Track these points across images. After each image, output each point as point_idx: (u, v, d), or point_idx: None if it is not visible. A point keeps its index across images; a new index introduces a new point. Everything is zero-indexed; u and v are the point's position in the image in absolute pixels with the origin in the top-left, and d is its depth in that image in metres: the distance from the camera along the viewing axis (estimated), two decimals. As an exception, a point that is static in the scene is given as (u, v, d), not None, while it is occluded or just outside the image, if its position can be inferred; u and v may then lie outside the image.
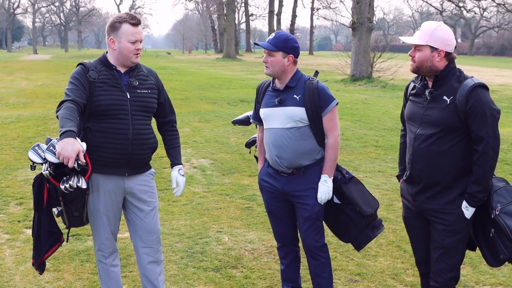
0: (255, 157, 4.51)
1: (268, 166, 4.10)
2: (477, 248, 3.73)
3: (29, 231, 5.84)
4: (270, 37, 3.90)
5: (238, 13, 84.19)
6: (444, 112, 3.43)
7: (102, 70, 3.66)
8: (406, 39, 3.63)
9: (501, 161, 9.60)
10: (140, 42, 3.70)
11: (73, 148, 3.10)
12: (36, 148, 3.32)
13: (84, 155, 3.21)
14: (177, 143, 4.12)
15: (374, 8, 27.60)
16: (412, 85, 3.74)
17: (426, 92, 3.53)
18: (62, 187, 3.27)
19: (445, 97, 3.44)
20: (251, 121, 4.38)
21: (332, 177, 3.96)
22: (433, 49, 3.43)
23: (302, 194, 3.96)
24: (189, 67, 39.06)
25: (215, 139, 11.37)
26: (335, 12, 53.21)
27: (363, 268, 5.08)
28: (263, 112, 4.04)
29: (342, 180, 4.05)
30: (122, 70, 3.73)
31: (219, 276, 4.88)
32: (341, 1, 43.96)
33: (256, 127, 4.39)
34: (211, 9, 73.52)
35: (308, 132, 3.91)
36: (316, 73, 4.08)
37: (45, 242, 3.60)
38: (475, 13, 68.73)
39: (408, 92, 3.76)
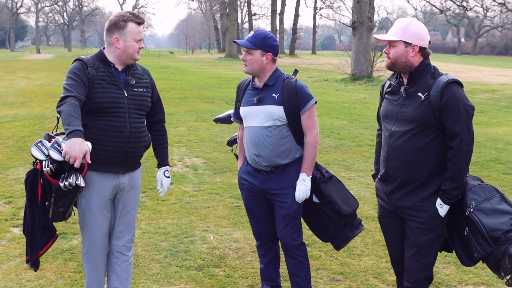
0: (235, 155, 4.49)
1: (248, 164, 4.09)
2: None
3: (16, 230, 5.86)
4: (249, 35, 3.89)
5: (241, 12, 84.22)
6: (419, 108, 3.42)
7: (100, 67, 3.66)
8: (380, 37, 3.62)
9: (495, 160, 9.58)
10: (142, 41, 3.76)
11: (80, 149, 3.12)
12: (39, 144, 3.32)
13: None
14: (165, 143, 4.14)
15: (377, 8, 27.60)
16: (388, 83, 3.73)
17: (401, 89, 3.52)
18: (61, 184, 3.27)
19: (419, 94, 3.44)
20: (232, 119, 4.37)
21: (311, 176, 3.94)
22: (406, 44, 3.43)
23: (280, 192, 3.95)
24: (191, 66, 39.07)
25: (210, 138, 11.35)
26: (336, 11, 53.03)
27: (346, 267, 5.06)
28: (242, 110, 4.03)
29: (321, 179, 4.04)
30: (120, 68, 3.74)
31: (201, 275, 4.87)
32: (341, 0, 43.75)
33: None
34: (214, 8, 73.45)
35: (286, 131, 3.89)
36: (296, 71, 4.07)
37: (40, 238, 3.55)
38: (478, 13, 68.41)
39: (384, 91, 3.75)
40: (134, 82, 3.76)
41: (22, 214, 3.79)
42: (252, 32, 3.90)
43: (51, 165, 3.25)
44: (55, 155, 3.22)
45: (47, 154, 3.27)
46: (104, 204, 3.76)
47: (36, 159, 3.33)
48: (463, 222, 3.45)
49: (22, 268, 4.93)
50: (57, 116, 3.65)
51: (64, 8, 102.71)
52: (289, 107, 3.83)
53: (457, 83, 3.38)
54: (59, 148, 3.22)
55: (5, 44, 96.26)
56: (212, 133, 11.90)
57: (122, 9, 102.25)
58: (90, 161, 3.22)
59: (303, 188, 3.89)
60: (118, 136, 3.65)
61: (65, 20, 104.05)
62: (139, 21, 3.70)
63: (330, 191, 4.01)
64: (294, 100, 3.84)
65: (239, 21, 75.79)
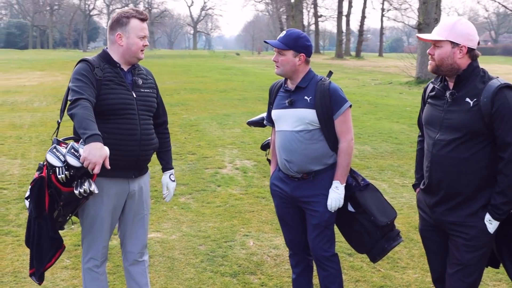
0: (268, 160, 4.33)
1: (279, 170, 3.92)
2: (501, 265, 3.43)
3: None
4: (281, 35, 3.72)
5: (308, 14, 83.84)
6: (467, 115, 3.13)
7: (106, 67, 3.51)
8: (424, 36, 3.34)
9: None
10: (146, 38, 3.61)
11: (101, 154, 2.98)
12: (54, 150, 3.13)
13: None
14: (169, 146, 3.99)
15: (448, 9, 26.77)
16: (431, 86, 3.44)
17: (447, 94, 3.23)
18: (76, 192, 3.08)
19: (468, 99, 3.14)
20: (264, 122, 4.20)
21: (345, 184, 3.73)
22: (454, 44, 3.15)
23: (312, 200, 3.75)
24: (255, 68, 39.08)
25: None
26: (403, 13, 51.78)
27: (388, 280, 4.80)
28: (274, 113, 3.86)
29: (357, 188, 3.82)
30: (125, 68, 3.61)
31: (235, 282, 4.73)
32: (405, 1, 42.72)
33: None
34: (280, 10, 73.43)
35: (319, 136, 3.70)
36: (330, 73, 3.86)
37: (48, 250, 3.36)
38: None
39: (427, 95, 3.47)
40: (141, 82, 3.63)
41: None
42: (284, 32, 3.72)
43: (66, 172, 3.08)
44: (73, 161, 3.05)
45: (63, 160, 3.09)
46: (112, 212, 3.61)
47: (53, 166, 3.11)
48: None
49: (58, 268, 4.94)
50: (58, 121, 3.56)
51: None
52: (321, 111, 3.63)
53: (510, 88, 3.08)
54: (76, 153, 3.07)
55: (78, 45, 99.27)
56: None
57: (190, 10, 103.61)
58: (109, 167, 3.05)
59: (335, 196, 3.68)
60: (130, 139, 3.50)
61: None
62: (143, 17, 3.56)
63: (366, 200, 3.78)
64: (327, 103, 3.63)
65: (306, 23, 75.45)
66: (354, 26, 78.76)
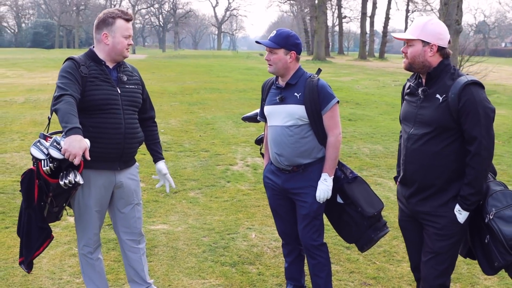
0: (261, 153, 4.53)
1: (271, 163, 4.11)
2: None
3: (71, 219, 6.15)
4: (272, 34, 3.91)
5: (333, 15, 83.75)
6: (437, 111, 3.31)
7: (91, 65, 3.72)
8: (397, 35, 3.53)
9: None
10: (131, 37, 3.82)
11: (80, 146, 3.16)
12: (38, 144, 3.35)
13: None
14: (157, 138, 4.22)
15: (474, 10, 26.62)
16: (408, 84, 3.63)
17: (419, 91, 3.42)
18: (61, 182, 3.30)
19: (438, 95, 3.32)
20: (258, 118, 4.40)
21: (333, 176, 3.91)
22: (424, 43, 3.32)
23: (301, 191, 3.95)
24: (276, 68, 39.17)
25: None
26: (427, 14, 51.43)
27: (381, 272, 4.96)
28: (266, 109, 4.06)
29: (345, 180, 4.00)
30: (111, 66, 3.82)
31: (234, 271, 4.94)
32: (428, 3, 42.51)
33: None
34: (304, 11, 73.52)
35: (308, 130, 3.89)
36: (319, 70, 4.05)
37: (36, 239, 3.58)
38: None
39: (404, 92, 3.66)
40: (126, 79, 3.84)
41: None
42: (274, 32, 3.92)
43: (51, 164, 3.29)
44: (55, 153, 3.26)
45: (46, 153, 3.30)
46: (100, 202, 3.85)
47: (37, 158, 3.34)
48: (485, 229, 3.31)
49: (67, 255, 5.20)
50: (48, 117, 3.79)
51: (160, 11, 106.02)
52: (310, 107, 3.82)
53: (477, 84, 3.24)
54: (58, 146, 3.26)
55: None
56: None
57: (215, 11, 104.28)
58: (89, 158, 3.25)
59: (324, 188, 3.87)
60: (114, 132, 3.71)
61: (160, 22, 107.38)
62: (128, 18, 3.76)
63: (354, 192, 3.96)
64: (316, 99, 3.82)
65: (330, 24, 75.46)
66: (379, 27, 78.40)
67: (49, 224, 3.66)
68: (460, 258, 3.72)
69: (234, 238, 5.76)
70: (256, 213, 6.63)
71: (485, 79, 23.90)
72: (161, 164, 4.18)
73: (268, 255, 5.32)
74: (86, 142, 3.23)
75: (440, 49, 3.34)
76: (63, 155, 3.20)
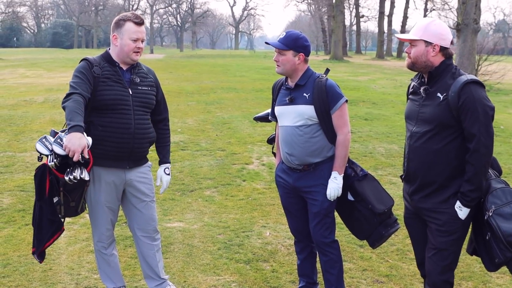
0: (273, 153, 4.61)
1: (283, 162, 4.19)
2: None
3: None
4: (281, 36, 3.99)
5: (351, 14, 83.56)
6: (438, 109, 3.40)
7: (105, 66, 3.86)
8: (401, 36, 3.63)
9: None
10: (142, 41, 3.90)
11: (79, 143, 3.29)
12: (43, 140, 3.50)
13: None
14: (168, 141, 4.33)
15: (494, 9, 26.42)
16: (412, 84, 3.72)
17: (421, 89, 3.51)
18: (66, 178, 3.45)
19: (439, 94, 3.42)
20: (269, 118, 4.49)
21: (343, 174, 3.98)
22: (427, 43, 3.41)
23: (312, 190, 4.02)
24: (294, 68, 39.20)
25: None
26: (445, 13, 51.06)
27: (394, 270, 5.02)
28: (276, 110, 4.15)
29: (356, 178, 4.06)
30: (124, 67, 3.94)
31: (248, 268, 5.03)
32: (446, 2, 42.19)
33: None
34: (322, 10, 73.36)
35: (318, 130, 3.96)
36: (327, 70, 4.12)
37: (47, 231, 3.73)
38: None
39: (409, 91, 3.75)
40: (139, 80, 3.94)
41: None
42: (284, 33, 4.00)
43: (55, 160, 3.43)
44: (58, 150, 3.39)
45: (51, 149, 3.45)
46: (111, 198, 3.98)
47: (41, 154, 3.50)
48: (486, 226, 3.38)
49: (85, 251, 5.33)
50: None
51: (178, 10, 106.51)
52: (319, 106, 3.90)
53: (476, 83, 3.33)
54: (61, 142, 3.39)
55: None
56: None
57: (232, 11, 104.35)
58: (87, 156, 3.37)
59: (334, 186, 3.94)
60: (123, 132, 3.83)
61: (178, 22, 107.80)
62: (137, 21, 3.85)
63: (364, 189, 4.03)
64: (324, 99, 3.90)
65: (348, 23, 75.24)
66: (397, 26, 77.99)
67: (70, 218, 3.81)
68: (472, 257, 3.77)
69: (249, 236, 5.85)
70: (271, 211, 6.71)
71: (503, 78, 23.82)
72: (161, 170, 4.30)
73: (282, 253, 5.41)
74: (88, 140, 3.36)
75: (443, 49, 3.43)
76: (65, 151, 3.33)
